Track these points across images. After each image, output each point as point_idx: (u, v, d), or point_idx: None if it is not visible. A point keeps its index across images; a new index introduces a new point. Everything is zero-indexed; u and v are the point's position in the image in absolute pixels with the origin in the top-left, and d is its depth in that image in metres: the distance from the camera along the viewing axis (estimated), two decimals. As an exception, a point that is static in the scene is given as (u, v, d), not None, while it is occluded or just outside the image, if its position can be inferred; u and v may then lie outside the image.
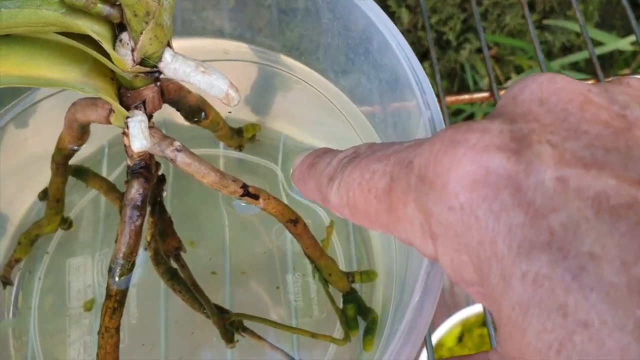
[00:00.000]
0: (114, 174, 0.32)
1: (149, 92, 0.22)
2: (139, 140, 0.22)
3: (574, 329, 0.12)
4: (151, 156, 0.25)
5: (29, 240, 0.30)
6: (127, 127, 0.22)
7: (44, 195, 0.30)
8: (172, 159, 0.23)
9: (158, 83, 0.22)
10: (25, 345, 0.29)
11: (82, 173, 0.30)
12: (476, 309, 0.69)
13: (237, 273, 0.30)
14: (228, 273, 0.30)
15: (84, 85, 0.21)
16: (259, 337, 0.27)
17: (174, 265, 0.28)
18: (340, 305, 0.28)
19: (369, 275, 0.28)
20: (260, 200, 0.25)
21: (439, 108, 0.21)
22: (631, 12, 0.46)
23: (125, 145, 0.24)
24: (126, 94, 0.22)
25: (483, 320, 0.70)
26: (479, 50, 0.82)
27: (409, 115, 0.23)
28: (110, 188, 0.29)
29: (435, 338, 0.67)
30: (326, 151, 0.21)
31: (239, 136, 0.31)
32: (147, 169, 0.25)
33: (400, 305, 0.24)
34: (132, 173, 0.25)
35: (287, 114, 0.33)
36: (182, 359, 0.28)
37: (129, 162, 0.25)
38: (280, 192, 0.32)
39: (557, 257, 0.12)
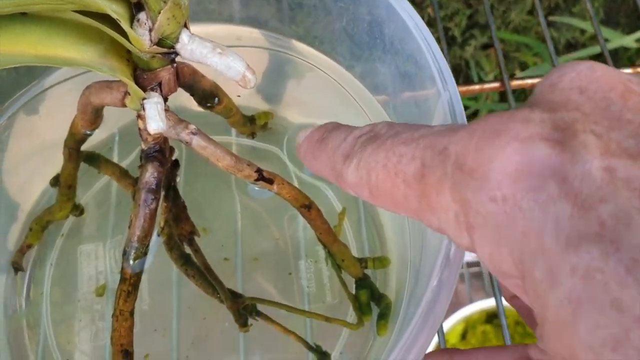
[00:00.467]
0: (125, 162, 0.32)
1: (165, 74, 0.22)
2: (156, 122, 0.22)
3: (631, 325, 0.11)
4: (165, 140, 0.25)
5: (41, 226, 0.30)
6: (143, 109, 0.22)
7: (55, 181, 0.30)
8: (187, 142, 0.23)
9: (174, 65, 0.22)
10: (38, 332, 0.29)
11: (95, 159, 0.29)
12: (479, 306, 0.69)
13: (250, 259, 0.30)
14: (240, 259, 0.30)
15: (101, 66, 0.21)
16: (273, 321, 0.27)
17: (187, 250, 0.28)
18: (353, 291, 0.28)
19: (381, 261, 0.28)
20: (275, 184, 0.25)
21: (457, 90, 0.21)
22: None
23: (139, 129, 0.24)
24: (142, 76, 0.22)
25: (486, 317, 0.71)
26: (484, 47, 0.82)
27: (426, 100, 0.23)
28: (123, 174, 0.29)
29: (431, 346, 0.67)
30: (337, 126, 0.20)
31: (252, 124, 0.31)
32: (161, 153, 0.25)
33: (416, 292, 0.24)
34: (147, 157, 0.25)
35: (299, 102, 0.33)
36: (194, 344, 0.28)
37: (143, 146, 0.25)
38: (292, 181, 0.32)
39: (609, 249, 0.12)
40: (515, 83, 0.43)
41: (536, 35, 0.83)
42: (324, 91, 0.31)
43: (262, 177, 0.25)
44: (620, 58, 0.85)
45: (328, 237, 0.27)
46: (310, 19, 0.30)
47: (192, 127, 0.23)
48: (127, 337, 0.24)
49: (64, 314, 0.29)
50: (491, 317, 0.71)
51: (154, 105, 0.22)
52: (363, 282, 0.28)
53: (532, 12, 0.80)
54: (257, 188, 0.25)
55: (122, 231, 0.31)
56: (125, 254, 0.24)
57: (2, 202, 0.31)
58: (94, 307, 0.29)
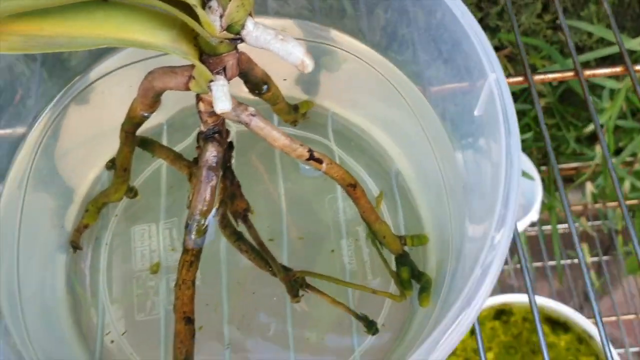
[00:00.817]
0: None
1: (230, 59, 0.24)
2: (222, 102, 0.23)
3: None
4: (223, 122, 0.27)
5: (96, 208, 0.32)
6: (211, 90, 0.24)
7: (111, 164, 0.32)
8: (247, 123, 0.25)
9: (237, 51, 0.24)
10: (97, 307, 0.31)
11: (148, 144, 0.31)
12: (488, 302, 0.70)
13: (294, 239, 0.32)
14: (285, 239, 0.32)
15: (173, 49, 0.23)
16: (322, 293, 0.28)
17: (239, 229, 0.29)
18: (394, 269, 0.30)
19: (420, 239, 0.30)
20: (324, 164, 0.27)
21: (503, 74, 0.22)
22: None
23: (199, 112, 0.26)
24: (208, 60, 0.24)
25: (494, 314, 0.72)
26: (496, 49, 0.83)
27: (473, 86, 0.24)
28: (177, 157, 0.31)
29: None
30: None
31: (295, 112, 0.33)
32: (219, 134, 0.27)
33: (458, 270, 0.26)
34: (206, 137, 0.26)
35: (337, 91, 0.35)
36: (244, 317, 0.30)
37: (203, 128, 0.27)
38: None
39: None
40: (538, 78, 0.44)
41: (544, 38, 0.85)
42: (363, 80, 0.33)
43: (313, 157, 0.26)
44: (625, 61, 0.87)
45: (371, 215, 0.29)
46: (350, 8, 0.32)
47: (251, 109, 0.25)
48: (189, 305, 0.26)
49: (120, 290, 0.31)
50: (499, 313, 0.73)
51: (220, 87, 0.23)
52: (403, 259, 0.29)
53: (541, 15, 0.82)
54: (307, 167, 0.27)
55: (174, 214, 0.33)
56: (187, 227, 0.26)
57: (58, 187, 0.33)
58: (148, 284, 0.31)
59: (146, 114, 0.29)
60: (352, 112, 0.35)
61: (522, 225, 0.73)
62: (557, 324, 0.70)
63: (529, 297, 0.37)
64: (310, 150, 0.26)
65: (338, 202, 0.32)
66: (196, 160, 0.28)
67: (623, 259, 0.86)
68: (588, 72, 0.41)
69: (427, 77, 0.29)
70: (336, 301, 0.28)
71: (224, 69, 0.24)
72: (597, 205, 0.85)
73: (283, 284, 0.28)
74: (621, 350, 0.83)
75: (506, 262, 0.84)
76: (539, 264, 0.88)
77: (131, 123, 0.29)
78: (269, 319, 0.30)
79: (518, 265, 0.83)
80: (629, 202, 0.81)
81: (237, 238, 0.29)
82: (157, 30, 0.22)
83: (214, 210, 0.27)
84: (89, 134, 0.34)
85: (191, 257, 0.26)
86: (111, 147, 0.31)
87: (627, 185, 0.78)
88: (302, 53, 0.24)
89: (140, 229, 0.32)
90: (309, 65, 0.24)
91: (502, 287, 0.88)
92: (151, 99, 0.28)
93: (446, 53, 0.26)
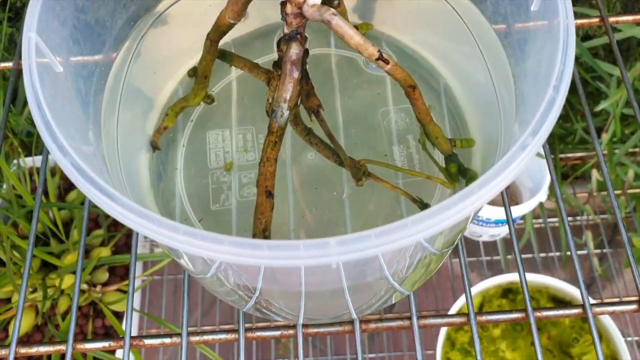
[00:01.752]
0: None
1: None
2: (315, -5, 0.27)
3: None
4: (304, 26, 0.31)
5: (175, 112, 0.36)
6: (304, -14, 0.28)
7: (193, 72, 0.36)
8: (328, 21, 0.29)
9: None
10: (174, 198, 0.35)
11: (227, 55, 0.35)
12: (496, 280, 0.74)
13: (351, 144, 0.36)
14: (343, 144, 0.36)
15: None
16: (381, 179, 0.32)
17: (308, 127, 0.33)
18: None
19: (468, 141, 0.34)
20: (390, 64, 0.31)
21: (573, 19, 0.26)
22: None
23: (285, 14, 0.30)
24: (300, -38, 0.28)
25: (502, 292, 0.76)
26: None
27: (549, 29, 0.26)
28: (254, 65, 0.34)
29: (456, 307, 0.71)
30: None
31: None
32: (301, 36, 0.31)
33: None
34: (289, 38, 0.30)
35: (394, 17, 0.38)
36: (308, 208, 0.34)
37: (286, 30, 0.31)
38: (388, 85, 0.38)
39: None
40: (613, 19, 0.45)
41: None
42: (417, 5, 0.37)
43: (382, 57, 0.30)
44: (631, 47, 0.91)
45: (426, 116, 0.33)
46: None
47: (332, 9, 0.29)
48: (271, 180, 0.30)
49: (196, 185, 0.35)
50: (506, 292, 0.76)
51: (313, -17, 0.27)
52: (452, 158, 0.33)
53: None
54: (374, 66, 0.31)
55: (246, 122, 0.37)
56: (273, 112, 0.30)
57: (140, 98, 0.37)
58: (222, 179, 0.35)
59: (233, 21, 0.33)
60: (406, 36, 0.39)
61: (531, 205, 0.77)
62: (562, 303, 0.73)
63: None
64: (379, 51, 0.30)
65: (390, 115, 0.36)
66: (276, 63, 0.32)
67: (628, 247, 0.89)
68: (612, 19, 0.44)
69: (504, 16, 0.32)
70: (394, 186, 0.32)
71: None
72: (604, 193, 0.88)
73: (348, 170, 0.32)
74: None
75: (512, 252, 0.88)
76: (543, 254, 0.93)
77: (218, 31, 0.33)
78: (329, 209, 0.34)
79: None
80: (631, 191, 0.84)
81: (307, 133, 0.33)
82: None
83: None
84: (167, 52, 0.38)
85: (275, 138, 0.30)
86: (187, 63, 0.35)
87: (630, 174, 0.81)
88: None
89: (214, 133, 0.36)
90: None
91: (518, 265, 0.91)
92: (241, 6, 0.32)
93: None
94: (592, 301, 0.37)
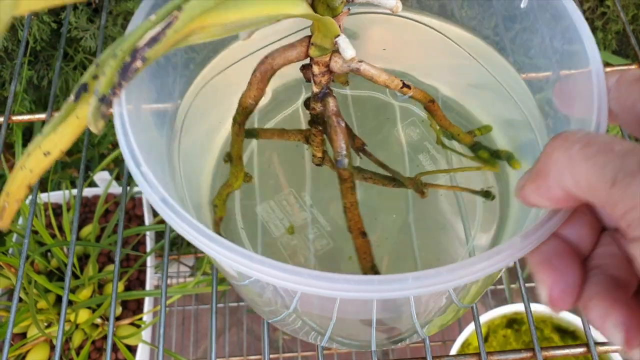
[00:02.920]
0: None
1: (343, 17, 0.31)
2: (350, 49, 0.30)
3: None
4: (329, 81, 0.34)
5: (223, 200, 0.37)
6: (337, 44, 0.31)
7: (228, 157, 0.37)
8: (357, 69, 0.32)
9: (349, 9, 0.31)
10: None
11: (253, 132, 0.37)
12: (500, 311, 0.76)
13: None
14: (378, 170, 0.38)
15: (310, 16, 0.29)
16: (438, 185, 0.36)
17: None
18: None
19: (486, 128, 0.38)
20: (411, 89, 0.35)
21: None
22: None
23: (313, 75, 0.33)
24: (325, 25, 0.31)
25: (507, 323, 0.78)
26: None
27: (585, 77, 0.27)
28: (282, 131, 0.37)
29: (462, 338, 0.73)
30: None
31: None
32: (331, 90, 0.34)
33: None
34: (323, 95, 0.33)
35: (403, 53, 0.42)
36: (382, 237, 0.36)
37: (316, 89, 0.33)
38: (396, 117, 0.41)
39: None
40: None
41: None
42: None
43: (405, 85, 0.34)
44: None
45: (445, 121, 0.37)
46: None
47: (357, 58, 0.32)
48: (360, 222, 0.32)
49: (274, 257, 0.36)
50: (511, 322, 0.78)
51: (344, 39, 0.31)
52: (477, 146, 0.37)
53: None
54: (398, 94, 0.35)
55: (281, 188, 0.39)
56: (338, 162, 0.32)
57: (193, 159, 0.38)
58: (292, 244, 0.37)
59: (254, 102, 0.35)
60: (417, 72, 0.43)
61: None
62: (567, 333, 0.75)
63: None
64: (402, 81, 0.34)
65: (402, 132, 0.40)
66: (313, 120, 0.35)
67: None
68: None
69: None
70: (453, 186, 0.36)
71: (340, 26, 0.31)
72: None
73: (409, 188, 0.35)
74: None
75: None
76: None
77: (243, 114, 0.35)
78: (391, 229, 0.37)
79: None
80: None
81: (359, 171, 0.35)
82: (298, 3, 0.29)
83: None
84: (204, 127, 0.40)
85: (350, 183, 0.32)
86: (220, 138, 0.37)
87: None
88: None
89: (261, 208, 0.38)
90: (400, 7, 0.32)
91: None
92: (264, 83, 0.34)
93: (555, 42, 0.32)
94: (596, 336, 0.42)
